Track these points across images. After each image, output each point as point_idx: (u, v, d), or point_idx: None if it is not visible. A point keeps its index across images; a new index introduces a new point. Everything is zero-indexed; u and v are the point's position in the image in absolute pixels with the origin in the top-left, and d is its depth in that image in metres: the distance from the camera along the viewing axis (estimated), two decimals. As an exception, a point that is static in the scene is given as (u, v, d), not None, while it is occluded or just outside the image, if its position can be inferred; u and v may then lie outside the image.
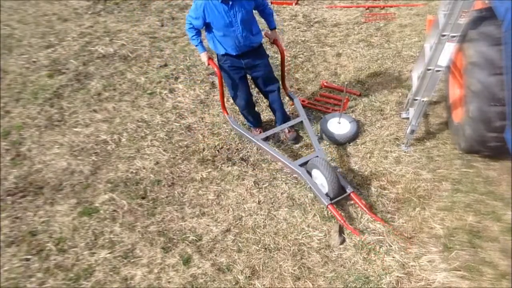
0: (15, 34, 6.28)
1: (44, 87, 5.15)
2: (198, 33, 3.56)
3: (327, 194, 3.41)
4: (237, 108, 4.33)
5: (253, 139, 3.91)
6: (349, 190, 3.45)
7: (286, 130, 4.22)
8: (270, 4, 6.49)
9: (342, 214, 3.41)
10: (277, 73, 4.16)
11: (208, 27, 3.48)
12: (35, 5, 7.13)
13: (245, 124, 4.39)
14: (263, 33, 3.75)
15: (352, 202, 3.51)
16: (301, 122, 4.00)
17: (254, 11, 3.55)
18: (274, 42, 3.82)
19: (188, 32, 3.58)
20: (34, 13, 6.86)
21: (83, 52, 5.76)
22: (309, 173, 3.57)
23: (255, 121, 4.28)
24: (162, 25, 6.32)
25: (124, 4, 6.94)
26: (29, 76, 5.37)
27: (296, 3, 6.60)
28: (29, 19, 6.66)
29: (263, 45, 3.83)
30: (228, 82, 3.84)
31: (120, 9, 6.83)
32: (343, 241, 3.26)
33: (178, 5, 6.84)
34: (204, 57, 3.68)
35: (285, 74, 4.27)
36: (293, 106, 4.51)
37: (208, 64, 3.70)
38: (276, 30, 3.81)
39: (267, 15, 3.68)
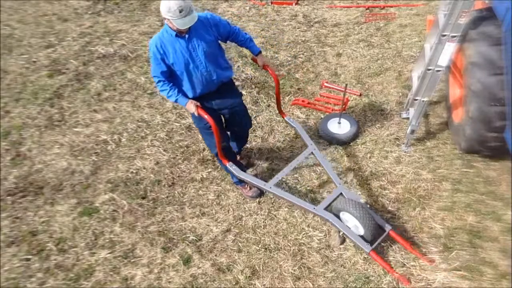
0: (15, 34, 6.26)
1: (44, 87, 5.14)
2: (173, 86, 3.10)
3: (363, 238, 3.02)
4: None
5: (265, 188, 3.33)
6: (387, 228, 3.09)
7: (238, 156, 3.81)
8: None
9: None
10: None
11: (172, 72, 3.09)
12: (35, 5, 7.11)
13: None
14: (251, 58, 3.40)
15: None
16: (311, 153, 3.49)
17: (224, 43, 3.28)
18: (264, 67, 3.36)
19: (161, 89, 3.11)
20: (34, 13, 6.85)
21: (83, 52, 5.75)
22: (337, 216, 3.10)
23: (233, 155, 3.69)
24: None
25: (124, 4, 6.93)
26: (29, 76, 5.36)
27: (296, 3, 6.60)
28: (29, 19, 6.65)
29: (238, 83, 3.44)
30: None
31: (120, 9, 6.81)
32: (343, 241, 3.26)
33: (178, 5, 6.83)
34: (190, 106, 3.09)
35: (281, 98, 3.88)
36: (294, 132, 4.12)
37: (198, 114, 3.11)
38: (263, 53, 3.39)
39: (244, 42, 3.28)
